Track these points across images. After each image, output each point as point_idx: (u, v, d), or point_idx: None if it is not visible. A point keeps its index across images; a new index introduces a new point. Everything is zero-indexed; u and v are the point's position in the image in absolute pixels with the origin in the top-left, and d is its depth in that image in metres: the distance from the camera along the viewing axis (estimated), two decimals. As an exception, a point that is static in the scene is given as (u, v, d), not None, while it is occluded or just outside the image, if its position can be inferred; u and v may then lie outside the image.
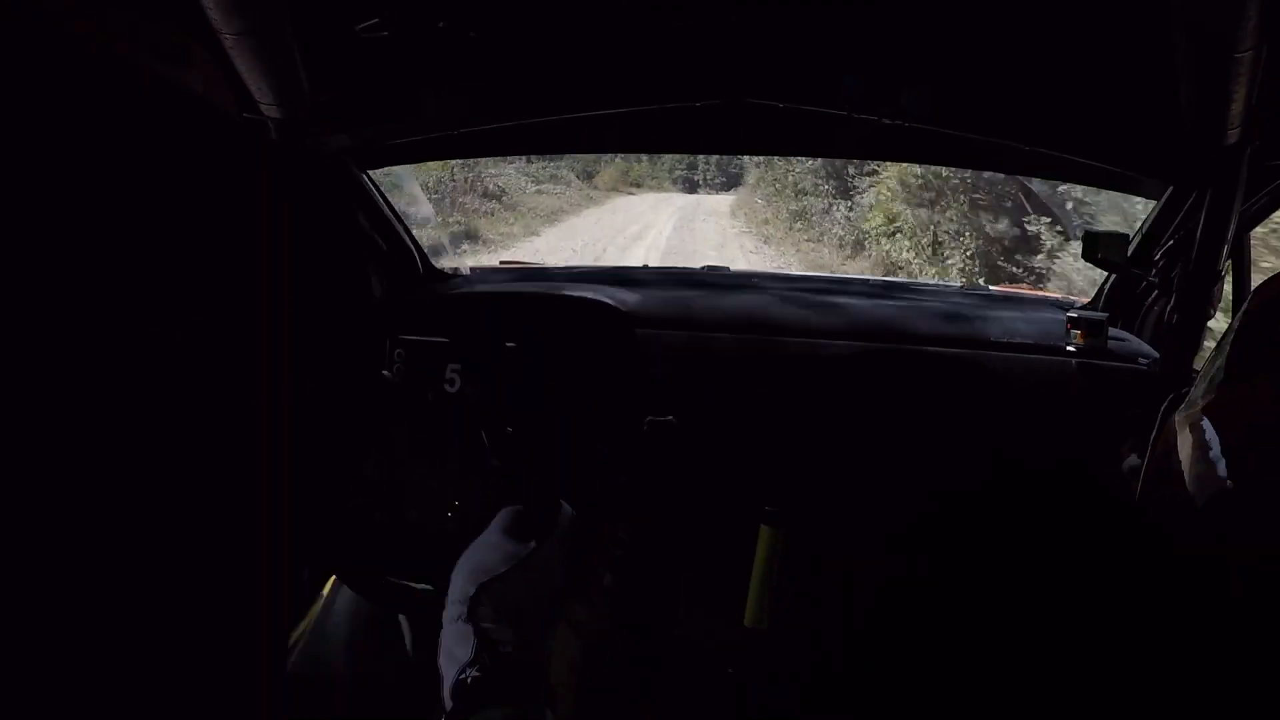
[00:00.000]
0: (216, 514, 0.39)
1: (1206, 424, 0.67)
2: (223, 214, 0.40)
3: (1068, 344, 1.66)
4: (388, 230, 1.77)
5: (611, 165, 26.69)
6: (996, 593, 1.37)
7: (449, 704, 0.84)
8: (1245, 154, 1.24)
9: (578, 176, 22.44)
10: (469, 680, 0.83)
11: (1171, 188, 1.58)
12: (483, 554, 0.96)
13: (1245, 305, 0.72)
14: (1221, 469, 0.63)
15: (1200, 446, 0.67)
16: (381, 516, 1.24)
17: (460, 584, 0.93)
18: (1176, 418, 0.73)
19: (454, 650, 0.87)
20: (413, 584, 1.25)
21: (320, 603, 1.40)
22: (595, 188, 24.10)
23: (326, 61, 1.15)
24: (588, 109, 1.31)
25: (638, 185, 28.26)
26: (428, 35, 1.14)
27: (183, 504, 0.38)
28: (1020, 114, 1.33)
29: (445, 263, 2.01)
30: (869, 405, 1.64)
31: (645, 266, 2.36)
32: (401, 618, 1.45)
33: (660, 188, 29.40)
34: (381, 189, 1.73)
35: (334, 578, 1.40)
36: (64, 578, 0.34)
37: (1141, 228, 1.72)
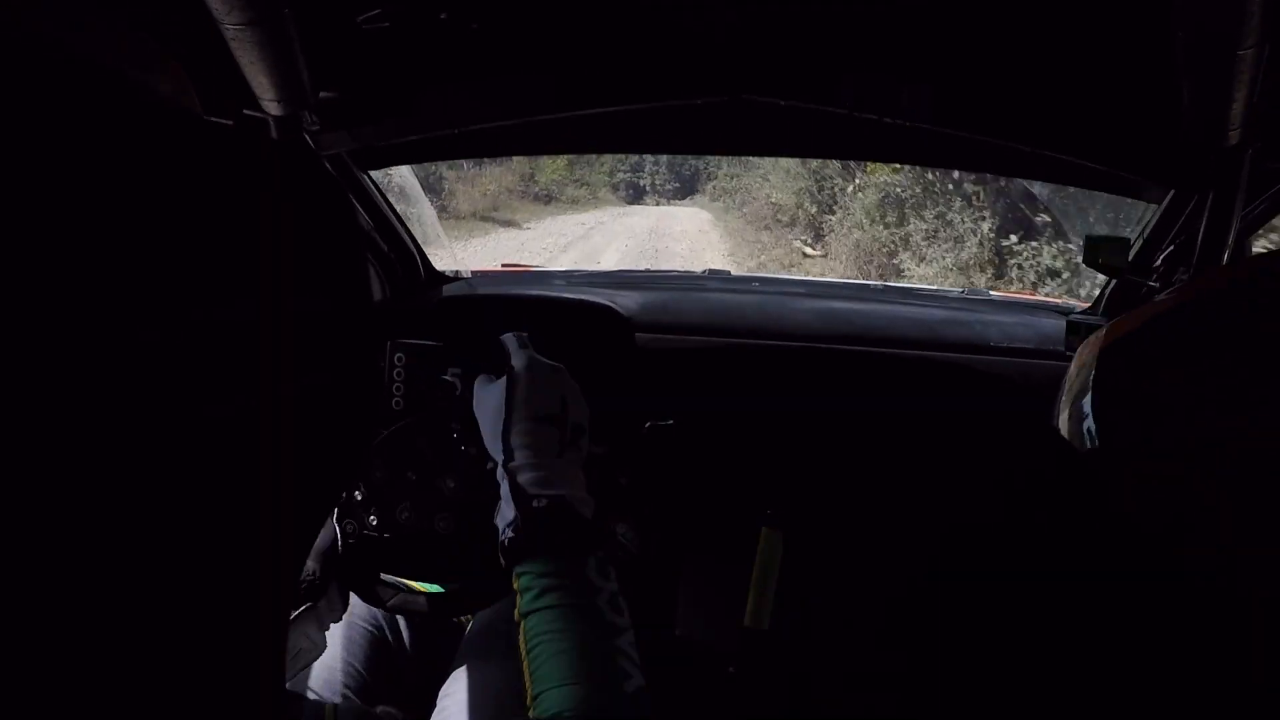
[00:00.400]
0: (216, 515, 0.39)
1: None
2: (214, 214, 0.39)
3: (1067, 349, 1.66)
4: (389, 231, 1.77)
5: (507, 165, 13.77)
6: (997, 593, 1.36)
7: (503, 563, 0.87)
8: (1246, 156, 1.24)
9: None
10: (506, 541, 0.87)
11: (1173, 191, 1.58)
12: (487, 394, 1.02)
13: (1098, 341, 0.71)
14: None
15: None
16: (382, 519, 1.23)
17: (489, 439, 0.98)
18: None
19: (503, 509, 0.90)
20: (414, 584, 1.24)
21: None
22: (449, 215, 11.79)
23: (327, 58, 1.15)
24: (589, 107, 1.31)
25: (545, 200, 15.66)
26: (429, 29, 1.14)
27: (182, 505, 0.37)
28: (1021, 115, 1.33)
29: None
30: (869, 409, 1.64)
31: (646, 270, 2.36)
32: (401, 620, 1.45)
33: (593, 200, 17.30)
34: (382, 189, 1.73)
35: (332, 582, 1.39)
36: (62, 580, 0.34)
37: (1142, 232, 1.72)
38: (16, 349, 0.30)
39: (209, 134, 0.41)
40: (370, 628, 1.39)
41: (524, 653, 0.80)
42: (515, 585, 0.84)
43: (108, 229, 0.34)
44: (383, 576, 1.23)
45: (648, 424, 1.41)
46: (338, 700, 1.25)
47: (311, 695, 1.25)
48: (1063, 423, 0.72)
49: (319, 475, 0.49)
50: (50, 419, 0.31)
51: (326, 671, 1.29)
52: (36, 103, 0.33)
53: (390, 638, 1.41)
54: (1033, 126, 1.35)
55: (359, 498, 1.23)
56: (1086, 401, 0.68)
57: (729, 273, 2.36)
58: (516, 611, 0.83)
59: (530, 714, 0.77)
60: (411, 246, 1.86)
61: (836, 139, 1.73)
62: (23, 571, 0.32)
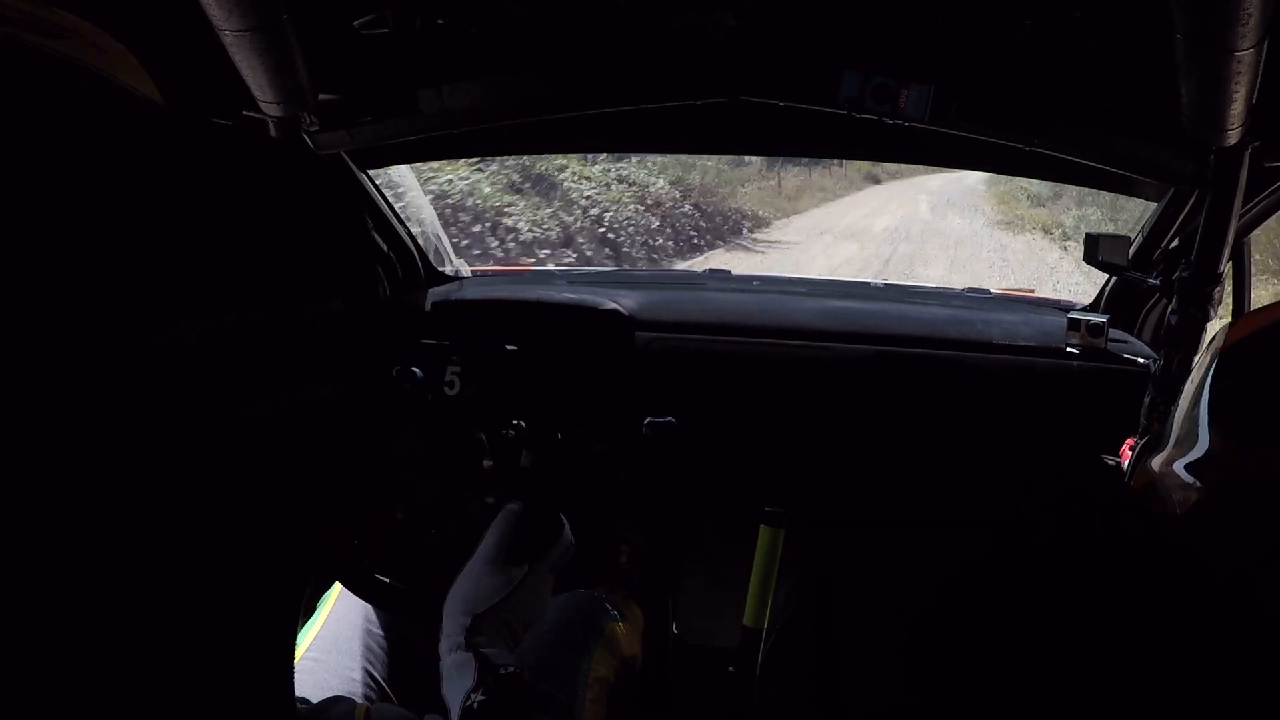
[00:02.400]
0: (220, 519, 0.39)
1: (1204, 490, 0.65)
2: (212, 215, 0.39)
3: (1068, 346, 1.66)
4: (389, 231, 1.78)
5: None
6: (999, 591, 1.37)
7: None
8: (1245, 155, 1.24)
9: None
10: (474, 705, 0.83)
11: (1172, 189, 1.59)
12: (474, 584, 0.98)
13: (1217, 343, 0.70)
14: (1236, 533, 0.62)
15: (1203, 507, 0.65)
16: (388, 521, 1.23)
17: (454, 617, 0.94)
18: (1155, 463, 0.72)
19: (455, 679, 0.87)
20: (427, 590, 1.24)
21: (328, 611, 1.38)
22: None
23: (326, 60, 1.15)
24: (587, 107, 1.31)
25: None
26: (427, 32, 1.14)
27: (188, 508, 0.37)
28: (1020, 115, 1.33)
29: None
30: (869, 407, 1.64)
31: (645, 269, 2.36)
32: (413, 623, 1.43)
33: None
34: (381, 189, 1.73)
35: (338, 586, 1.38)
36: (62, 586, 0.34)
37: (1142, 229, 1.73)
38: (17, 350, 0.30)
39: (207, 135, 0.41)
40: (388, 635, 1.37)
41: None
42: None
43: (108, 232, 0.34)
44: (396, 583, 1.23)
45: (647, 421, 1.42)
46: None
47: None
48: (1177, 422, 0.71)
49: (329, 479, 0.49)
50: (49, 419, 0.31)
51: (347, 683, 1.28)
52: (34, 107, 0.33)
53: (410, 645, 1.39)
54: (1032, 125, 1.35)
55: (366, 499, 1.23)
56: (1205, 395, 0.67)
57: (729, 272, 2.36)
58: None
59: None
60: (411, 245, 1.87)
61: (836, 138, 1.73)
62: (29, 573, 0.32)
